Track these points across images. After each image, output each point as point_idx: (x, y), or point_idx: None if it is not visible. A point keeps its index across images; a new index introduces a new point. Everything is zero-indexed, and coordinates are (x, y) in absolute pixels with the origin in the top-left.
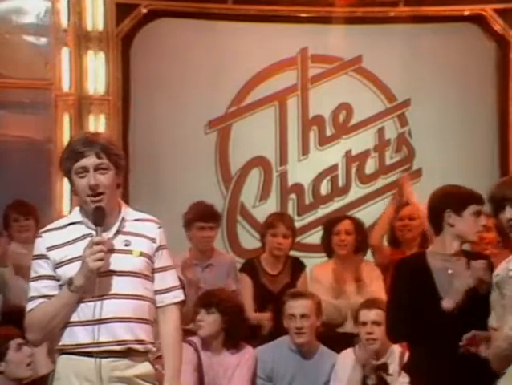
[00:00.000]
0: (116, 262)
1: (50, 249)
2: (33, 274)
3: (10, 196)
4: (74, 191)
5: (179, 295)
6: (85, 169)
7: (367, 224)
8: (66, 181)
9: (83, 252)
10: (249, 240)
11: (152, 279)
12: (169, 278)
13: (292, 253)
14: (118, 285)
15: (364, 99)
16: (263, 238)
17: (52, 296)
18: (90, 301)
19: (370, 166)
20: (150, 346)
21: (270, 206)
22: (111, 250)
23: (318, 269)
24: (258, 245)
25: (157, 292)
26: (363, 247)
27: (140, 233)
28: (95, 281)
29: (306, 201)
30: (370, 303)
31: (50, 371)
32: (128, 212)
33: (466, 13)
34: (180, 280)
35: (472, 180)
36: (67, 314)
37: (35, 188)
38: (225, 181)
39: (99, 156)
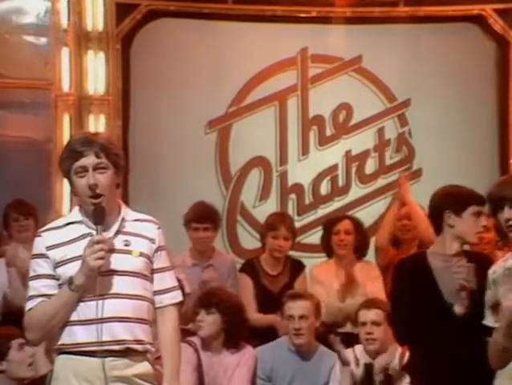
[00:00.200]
0: (116, 262)
1: (49, 248)
2: (32, 273)
3: (10, 196)
4: (73, 191)
5: (177, 296)
6: (84, 169)
7: (367, 224)
8: (66, 181)
9: (84, 251)
10: (249, 240)
11: (151, 279)
12: (168, 279)
13: (292, 252)
14: (118, 284)
15: (364, 99)
16: (263, 239)
17: (51, 295)
18: (90, 301)
19: (370, 166)
20: (149, 347)
21: (270, 206)
22: (112, 250)
23: (317, 269)
24: (258, 245)
25: (156, 293)
26: (363, 247)
27: (140, 233)
28: (95, 281)
29: (306, 201)
30: (369, 303)
31: (49, 371)
32: (127, 212)
33: (466, 13)
34: (178, 281)
35: (472, 180)
36: (66, 313)
37: (35, 188)
38: (225, 181)
39: (98, 156)
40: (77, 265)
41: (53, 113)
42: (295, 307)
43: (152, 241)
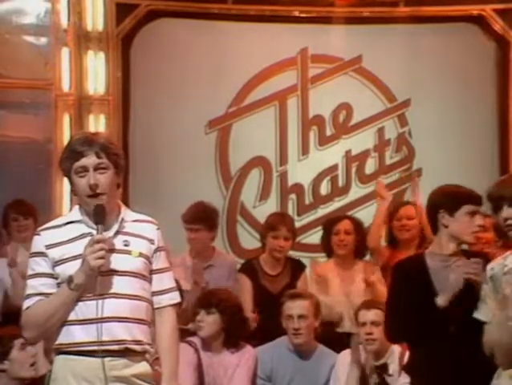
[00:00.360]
0: (116, 262)
1: (49, 247)
2: (30, 272)
3: (10, 196)
4: (74, 191)
5: (176, 297)
6: (85, 169)
7: (367, 224)
8: (66, 181)
9: (84, 250)
10: (249, 240)
11: (149, 280)
12: (166, 280)
13: (292, 252)
14: (117, 284)
15: (364, 99)
16: (263, 239)
17: (50, 294)
18: (89, 300)
19: (370, 166)
20: (147, 347)
21: (270, 206)
22: (111, 250)
23: (317, 269)
24: (258, 245)
25: (154, 293)
26: (363, 247)
27: (139, 233)
28: (95, 280)
29: (306, 201)
30: (369, 303)
31: (47, 371)
32: (127, 213)
33: (466, 13)
34: (176, 282)
35: (472, 180)
36: (64, 312)
37: (35, 188)
38: (225, 181)
39: (98, 156)
40: (76, 264)
41: (53, 113)
42: (294, 307)
43: (151, 241)
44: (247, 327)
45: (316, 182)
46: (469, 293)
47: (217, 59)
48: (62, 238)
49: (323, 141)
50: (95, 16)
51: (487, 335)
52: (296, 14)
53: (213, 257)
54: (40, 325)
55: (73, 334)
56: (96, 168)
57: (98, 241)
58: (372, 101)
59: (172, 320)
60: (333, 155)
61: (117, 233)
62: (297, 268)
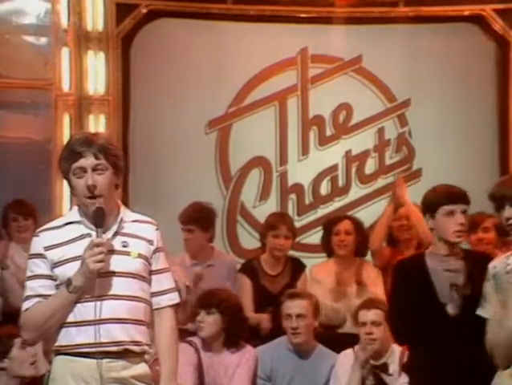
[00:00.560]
0: (114, 263)
1: (47, 248)
2: (29, 273)
3: (10, 196)
4: (72, 191)
5: (175, 298)
6: (83, 170)
7: (367, 224)
8: (66, 181)
9: (83, 253)
10: (249, 240)
11: (148, 281)
12: (165, 281)
13: (292, 252)
14: (115, 285)
15: (364, 99)
16: (263, 239)
17: (48, 296)
18: (87, 302)
19: (370, 166)
20: (146, 348)
21: (270, 206)
22: (110, 251)
23: (317, 269)
24: (258, 245)
25: (153, 294)
26: (363, 247)
27: (138, 234)
28: (93, 282)
29: (306, 201)
30: (369, 303)
31: (46, 372)
32: (126, 213)
33: (466, 13)
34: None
35: (472, 180)
36: (63, 314)
37: (35, 189)
38: (225, 181)
39: (97, 157)
40: (75, 265)
41: (53, 113)
42: (293, 306)
43: (150, 242)
44: (247, 327)
45: (316, 182)
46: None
47: (217, 59)
48: (61, 239)
49: (323, 141)
50: (95, 16)
51: (488, 333)
52: (296, 14)
53: (213, 257)
54: (39, 326)
55: (72, 336)
56: (94, 169)
57: (97, 245)
58: (372, 101)
59: (172, 320)
60: (333, 155)
61: (116, 233)
62: (297, 268)
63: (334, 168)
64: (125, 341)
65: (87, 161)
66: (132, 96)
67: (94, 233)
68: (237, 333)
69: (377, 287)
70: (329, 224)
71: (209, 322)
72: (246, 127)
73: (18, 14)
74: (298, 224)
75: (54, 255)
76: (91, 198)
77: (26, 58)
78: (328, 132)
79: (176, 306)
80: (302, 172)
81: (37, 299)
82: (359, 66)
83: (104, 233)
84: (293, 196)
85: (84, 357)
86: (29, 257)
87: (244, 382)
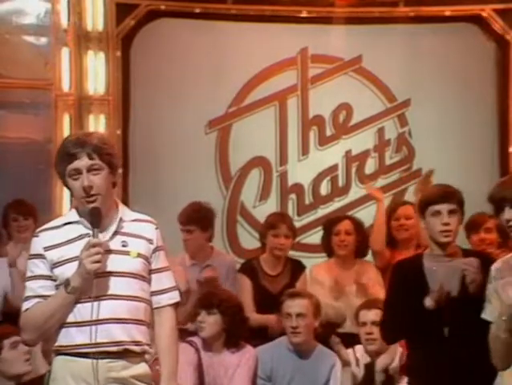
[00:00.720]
0: (114, 263)
1: (47, 248)
2: (29, 274)
3: (10, 196)
4: (71, 192)
5: (175, 296)
6: (78, 171)
7: (367, 224)
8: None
9: (80, 253)
10: (249, 240)
11: (148, 280)
12: (165, 280)
13: (292, 253)
14: (115, 285)
15: (364, 99)
16: (263, 238)
17: (48, 296)
18: (86, 302)
19: (370, 166)
20: (146, 348)
21: (270, 206)
22: (109, 251)
23: (317, 269)
24: (258, 245)
25: (153, 293)
26: (364, 247)
27: (138, 233)
28: (92, 282)
29: (306, 201)
30: (369, 303)
31: (47, 372)
32: (125, 212)
33: (466, 13)
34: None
35: (472, 180)
36: (63, 314)
37: (35, 189)
38: (225, 181)
39: (91, 157)
40: (75, 265)
41: (53, 113)
42: (293, 305)
43: (150, 241)
44: (247, 327)
45: (316, 182)
46: (463, 296)
47: (217, 59)
48: (60, 240)
49: (323, 141)
50: (95, 16)
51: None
52: (296, 14)
53: (212, 256)
54: (39, 327)
55: (71, 336)
56: (89, 170)
57: (94, 245)
58: (372, 101)
59: (172, 320)
60: (333, 155)
61: (115, 233)
62: (297, 268)
63: (334, 168)
64: (125, 341)
65: (82, 162)
66: (132, 96)
67: (92, 234)
68: (238, 333)
69: (377, 288)
70: (329, 225)
71: (210, 323)
72: (246, 127)
73: (18, 14)
74: (298, 225)
75: (54, 255)
76: (88, 199)
77: (26, 58)
78: (328, 132)
79: (176, 305)
80: (302, 172)
81: (37, 300)
82: (359, 66)
83: (102, 232)
84: (293, 196)
85: (84, 357)
86: (29, 257)
87: (244, 383)
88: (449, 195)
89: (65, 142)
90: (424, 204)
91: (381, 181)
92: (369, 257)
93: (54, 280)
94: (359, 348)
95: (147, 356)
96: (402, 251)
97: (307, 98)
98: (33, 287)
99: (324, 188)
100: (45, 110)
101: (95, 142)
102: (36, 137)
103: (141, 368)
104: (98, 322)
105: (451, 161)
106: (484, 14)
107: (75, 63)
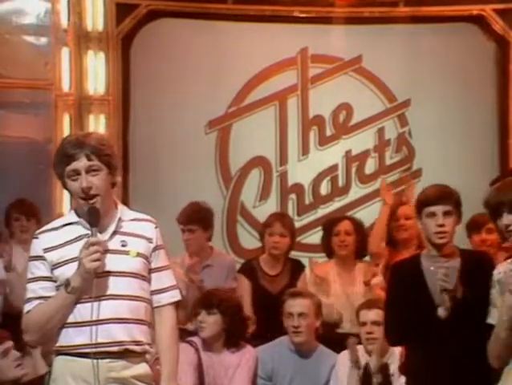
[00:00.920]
0: (113, 263)
1: (47, 250)
2: (30, 275)
3: (10, 196)
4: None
5: (176, 295)
6: (76, 172)
7: (367, 224)
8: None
9: (79, 253)
10: (249, 240)
11: (148, 280)
12: (166, 278)
13: (292, 252)
14: (115, 285)
15: (364, 99)
16: (262, 238)
17: (49, 297)
18: (86, 302)
19: (370, 166)
20: (147, 347)
21: (270, 206)
22: (108, 251)
23: (317, 270)
24: (258, 245)
25: (154, 292)
26: (364, 248)
27: (137, 233)
28: (92, 282)
29: (306, 201)
30: (370, 303)
31: (47, 372)
32: (124, 211)
33: (466, 13)
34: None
35: (472, 181)
36: (64, 315)
37: (35, 189)
38: (225, 181)
39: (89, 158)
40: (75, 266)
41: (53, 113)
42: (295, 305)
43: (149, 240)
44: (247, 327)
45: (316, 182)
46: (461, 296)
47: (217, 59)
48: (59, 241)
49: (323, 141)
50: (95, 16)
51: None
52: (296, 14)
53: (212, 256)
54: (40, 328)
55: (71, 337)
56: (88, 171)
57: (93, 244)
58: (372, 101)
59: (172, 319)
60: (333, 155)
61: (114, 233)
62: (296, 268)
63: (334, 168)
64: (126, 341)
65: (80, 163)
66: (132, 96)
67: (91, 234)
68: (238, 333)
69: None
70: (329, 225)
71: (210, 323)
72: (246, 127)
73: (18, 14)
74: (298, 224)
75: (54, 257)
76: (87, 200)
77: (26, 58)
78: (328, 132)
79: (177, 304)
80: (302, 172)
81: (38, 301)
82: (359, 66)
83: (102, 232)
84: (293, 196)
85: (84, 357)
86: (29, 259)
87: (244, 383)
88: (445, 196)
89: (63, 143)
90: (420, 205)
91: (381, 181)
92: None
93: (55, 281)
94: (359, 348)
95: (148, 356)
96: (402, 251)
97: (307, 98)
98: (34, 288)
99: (324, 188)
100: (45, 110)
101: (94, 143)
102: (36, 137)
103: (142, 368)
104: (98, 322)
105: (451, 161)
106: (484, 14)
107: (75, 63)
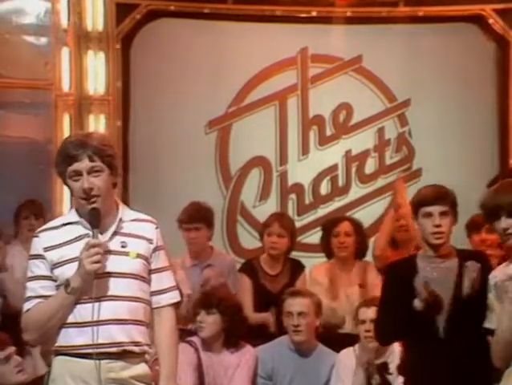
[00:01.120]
0: (113, 264)
1: (47, 249)
2: (29, 274)
3: (10, 196)
4: (71, 193)
5: (175, 296)
6: (78, 173)
7: (367, 224)
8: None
9: (80, 254)
10: (249, 240)
11: (148, 281)
12: (166, 279)
13: (292, 253)
14: (115, 286)
15: (364, 99)
16: (262, 238)
17: (49, 296)
18: (86, 303)
19: (370, 166)
20: (146, 348)
21: (270, 206)
22: (108, 252)
23: (317, 270)
24: (258, 245)
25: (154, 293)
26: (363, 248)
27: (137, 233)
28: (92, 283)
29: (306, 201)
30: (369, 301)
31: (46, 372)
32: (125, 212)
33: (466, 13)
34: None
35: (472, 181)
36: (64, 314)
37: (35, 189)
38: (225, 181)
39: (91, 159)
40: (75, 266)
41: (53, 113)
42: (294, 304)
43: (149, 241)
44: (246, 326)
45: (316, 182)
46: (457, 296)
47: (217, 59)
48: (60, 240)
49: (323, 141)
50: (95, 16)
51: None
52: (296, 14)
53: (212, 256)
54: (40, 327)
55: (71, 337)
56: (90, 172)
57: (94, 246)
58: (372, 101)
59: (172, 320)
60: (333, 155)
61: (115, 233)
62: (296, 268)
63: (334, 167)
64: (125, 342)
65: (82, 164)
66: (132, 96)
67: (91, 235)
68: (237, 333)
69: (378, 289)
70: (328, 226)
71: (209, 322)
72: (246, 127)
73: (18, 13)
74: (298, 224)
75: (54, 256)
76: (88, 200)
77: (26, 58)
78: (328, 132)
79: (176, 305)
80: (302, 171)
81: (37, 300)
82: (359, 66)
83: (102, 233)
84: (293, 196)
85: (83, 358)
86: (29, 257)
87: (244, 383)
88: (441, 196)
89: (65, 143)
90: (416, 206)
91: (381, 181)
92: (369, 257)
93: (55, 280)
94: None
95: (147, 356)
96: (402, 252)
97: (307, 98)
98: (34, 287)
99: (324, 188)
100: (45, 110)
101: (96, 143)
102: (36, 137)
103: (141, 368)
104: (99, 322)
105: (451, 161)
106: (484, 14)
107: (75, 63)
